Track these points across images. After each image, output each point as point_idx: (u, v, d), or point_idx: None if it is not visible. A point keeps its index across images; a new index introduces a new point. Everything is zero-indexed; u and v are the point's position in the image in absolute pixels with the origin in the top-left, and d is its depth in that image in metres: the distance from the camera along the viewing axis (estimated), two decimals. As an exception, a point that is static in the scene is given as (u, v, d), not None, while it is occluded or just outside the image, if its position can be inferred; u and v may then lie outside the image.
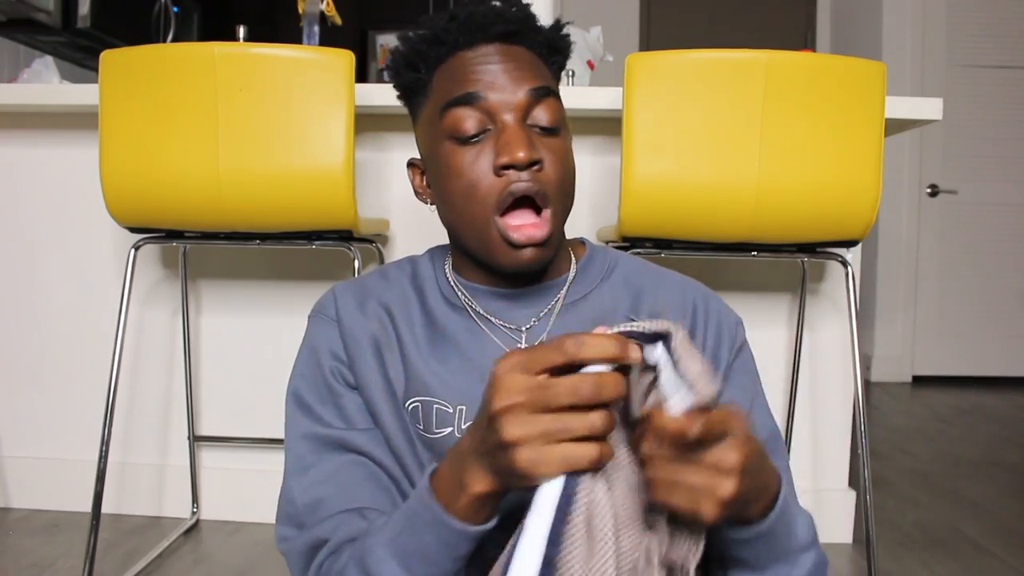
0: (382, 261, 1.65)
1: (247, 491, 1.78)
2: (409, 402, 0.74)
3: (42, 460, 1.84)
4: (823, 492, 1.76)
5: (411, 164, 0.80)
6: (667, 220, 1.30)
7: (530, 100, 0.70)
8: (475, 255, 0.75)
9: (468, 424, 0.71)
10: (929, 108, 1.51)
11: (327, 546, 0.67)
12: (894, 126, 1.58)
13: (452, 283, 0.79)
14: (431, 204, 0.78)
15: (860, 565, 1.63)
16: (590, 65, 1.99)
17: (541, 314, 0.76)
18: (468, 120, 0.69)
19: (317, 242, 1.43)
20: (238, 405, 1.80)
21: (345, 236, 1.42)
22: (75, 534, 1.69)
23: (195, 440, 1.79)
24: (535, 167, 0.69)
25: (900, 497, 2.04)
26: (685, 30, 4.17)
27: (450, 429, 0.72)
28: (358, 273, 1.43)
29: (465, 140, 0.70)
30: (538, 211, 0.70)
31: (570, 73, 1.75)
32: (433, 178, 0.75)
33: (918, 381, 3.66)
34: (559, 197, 0.71)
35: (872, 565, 1.42)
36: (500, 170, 0.68)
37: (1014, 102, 3.58)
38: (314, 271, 1.78)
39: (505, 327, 0.76)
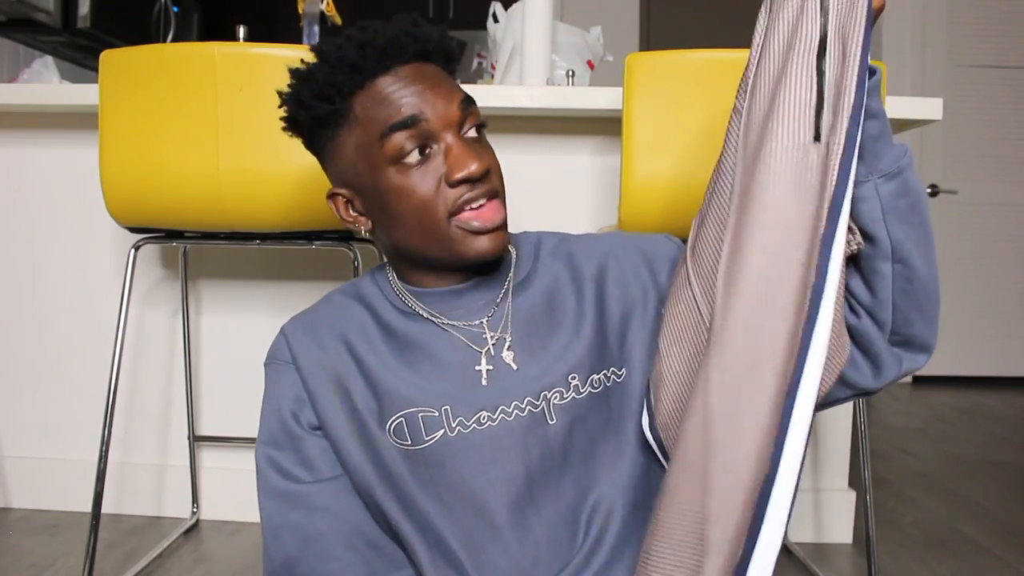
0: (382, 261, 1.64)
1: (247, 491, 1.77)
2: (391, 421, 0.74)
3: (42, 460, 1.84)
4: (823, 492, 1.76)
5: (333, 195, 0.78)
6: (667, 220, 1.30)
7: (462, 113, 0.73)
8: (435, 262, 0.76)
9: (459, 420, 0.73)
10: (929, 108, 1.51)
11: None
12: (894, 126, 1.57)
13: (399, 293, 0.80)
14: (366, 231, 0.78)
15: (860, 565, 1.63)
16: (590, 65, 1.99)
17: (496, 301, 0.78)
18: (411, 143, 0.71)
19: (317, 242, 1.43)
20: (238, 405, 1.80)
21: (345, 236, 1.42)
22: (75, 534, 1.69)
23: (195, 440, 1.79)
24: (486, 175, 0.73)
25: (900, 497, 2.04)
26: (685, 30, 4.17)
27: (441, 431, 0.73)
28: (358, 273, 1.43)
29: (411, 163, 0.71)
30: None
31: (570, 73, 1.76)
32: (375, 204, 0.75)
33: (918, 381, 3.66)
34: (503, 190, 0.76)
35: (872, 565, 1.42)
36: (456, 184, 0.71)
37: (1014, 102, 3.58)
38: (314, 271, 1.78)
39: (464, 325, 0.77)
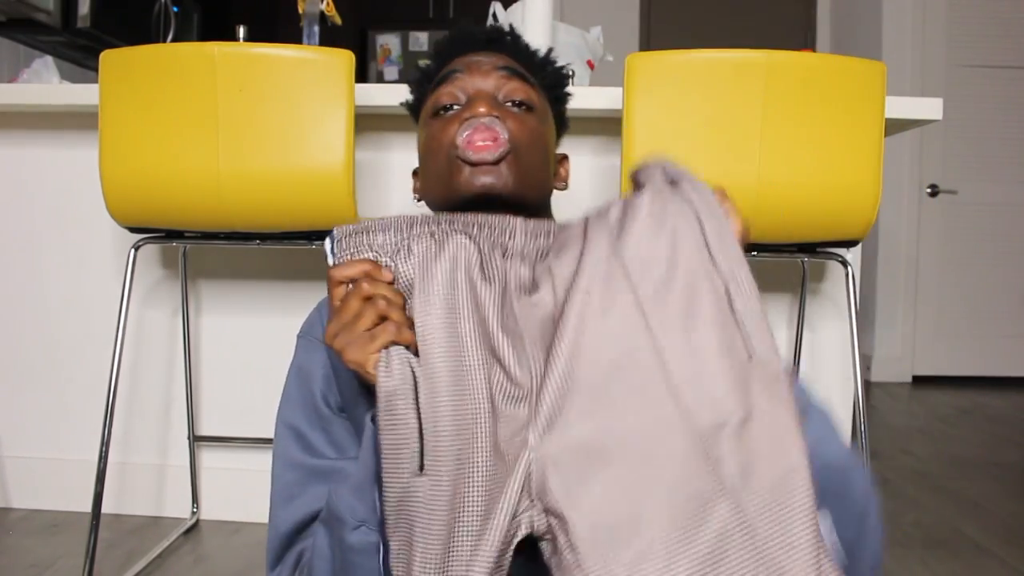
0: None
1: (247, 491, 1.78)
2: None
3: (42, 460, 1.84)
4: (823, 492, 1.75)
5: (414, 173, 0.85)
6: (667, 220, 1.30)
7: (497, 80, 0.76)
8: (444, 204, 0.75)
9: None
10: (929, 108, 1.51)
11: (304, 546, 0.72)
12: (894, 126, 1.58)
13: None
14: (418, 199, 0.83)
15: (860, 565, 1.63)
16: (590, 65, 1.99)
17: None
18: (445, 95, 0.76)
19: (317, 242, 1.43)
20: (238, 405, 1.80)
21: (345, 236, 1.42)
22: (75, 534, 1.69)
23: (195, 440, 1.79)
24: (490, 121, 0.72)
25: (900, 497, 2.04)
26: (685, 30, 4.17)
27: None
28: (358, 273, 1.42)
29: (442, 113, 0.76)
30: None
31: (570, 73, 1.76)
32: (420, 160, 0.80)
33: (918, 381, 3.66)
34: (521, 151, 0.72)
35: (872, 565, 1.42)
36: (460, 125, 0.72)
37: (1014, 102, 3.58)
38: (314, 271, 1.78)
39: None
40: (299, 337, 0.82)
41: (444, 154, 0.73)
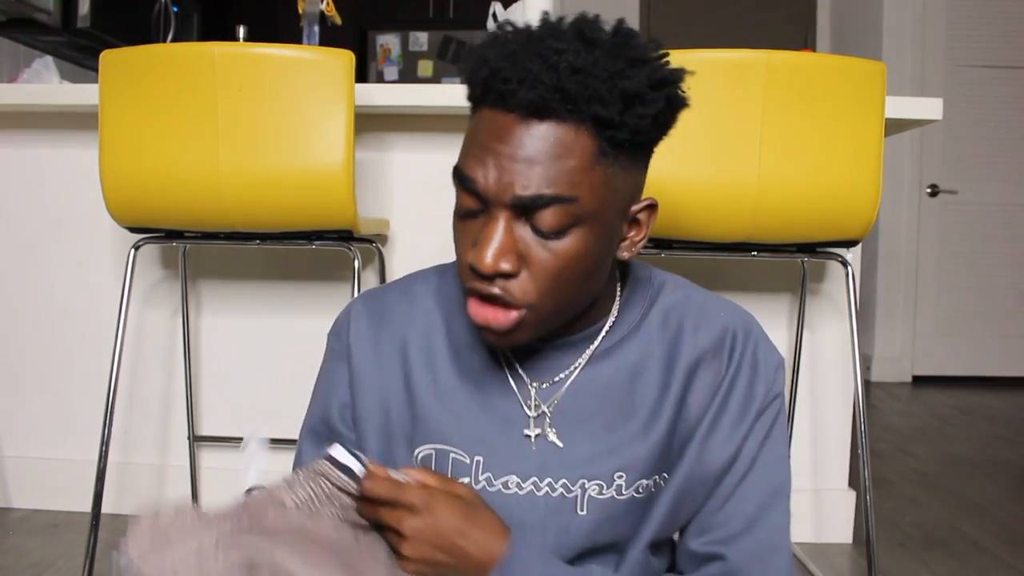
0: (382, 261, 1.64)
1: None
2: (420, 450, 0.71)
3: (42, 460, 1.84)
4: (823, 492, 1.76)
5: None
6: (667, 220, 1.30)
7: (523, 202, 0.59)
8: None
9: (486, 476, 0.69)
10: (929, 108, 1.51)
11: None
12: (894, 126, 1.58)
13: None
14: None
15: (860, 565, 1.63)
16: (590, 65, 1.98)
17: (561, 375, 0.71)
18: (464, 198, 0.62)
19: (317, 242, 1.43)
20: (238, 405, 1.80)
21: (345, 236, 1.42)
22: (75, 534, 1.69)
23: (195, 440, 1.79)
24: (506, 277, 0.61)
25: (900, 497, 2.04)
26: (685, 30, 4.17)
27: (467, 479, 0.69)
28: (357, 274, 1.43)
29: (462, 214, 0.64)
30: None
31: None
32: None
33: (918, 381, 3.66)
34: (541, 302, 0.62)
35: (872, 565, 1.42)
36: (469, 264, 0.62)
37: (1014, 102, 3.58)
38: (314, 271, 1.78)
39: (525, 378, 0.71)
40: (329, 336, 0.78)
41: (461, 278, 0.65)
